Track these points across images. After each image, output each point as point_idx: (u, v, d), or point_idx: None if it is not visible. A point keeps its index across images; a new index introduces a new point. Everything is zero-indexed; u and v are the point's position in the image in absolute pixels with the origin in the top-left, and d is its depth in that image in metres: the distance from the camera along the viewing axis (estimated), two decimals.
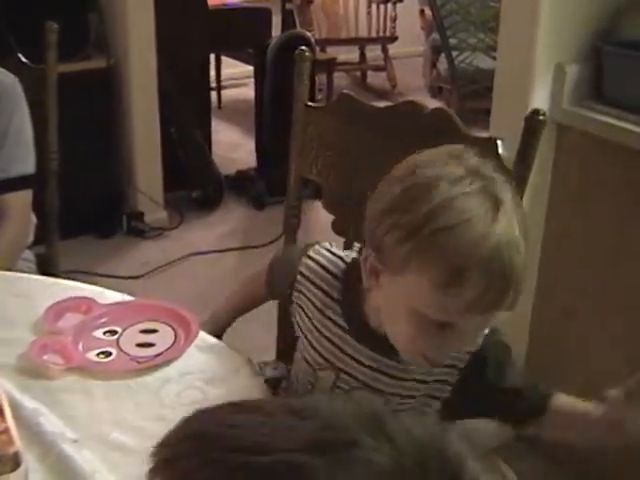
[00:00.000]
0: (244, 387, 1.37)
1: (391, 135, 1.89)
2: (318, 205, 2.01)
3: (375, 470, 0.64)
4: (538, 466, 2.85)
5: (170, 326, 1.54)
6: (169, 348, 1.46)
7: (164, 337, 1.50)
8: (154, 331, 1.53)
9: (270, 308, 2.16)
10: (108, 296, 1.66)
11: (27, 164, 2.17)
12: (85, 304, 1.60)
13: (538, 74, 2.43)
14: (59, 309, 1.57)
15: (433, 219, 1.11)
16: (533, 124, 1.64)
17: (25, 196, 2.18)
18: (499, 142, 1.69)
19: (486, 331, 1.25)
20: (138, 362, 1.43)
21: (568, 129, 2.47)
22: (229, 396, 1.33)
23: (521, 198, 1.67)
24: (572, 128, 2.46)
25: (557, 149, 2.53)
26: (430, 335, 1.19)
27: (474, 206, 1.12)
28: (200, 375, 1.40)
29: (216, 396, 1.34)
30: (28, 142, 2.19)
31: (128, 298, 1.66)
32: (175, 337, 1.50)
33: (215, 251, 4.19)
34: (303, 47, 1.99)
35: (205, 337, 1.52)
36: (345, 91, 2.01)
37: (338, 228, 1.99)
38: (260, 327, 2.31)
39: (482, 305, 1.13)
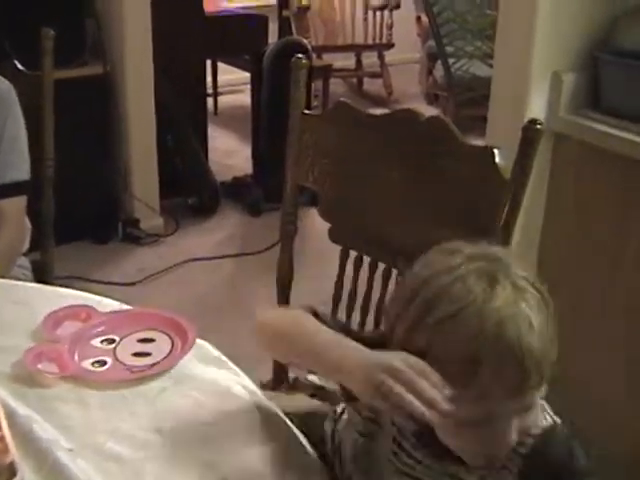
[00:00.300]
0: (240, 401, 1.36)
1: (387, 143, 1.89)
2: (315, 212, 2.01)
3: None
4: None
5: (168, 335, 1.53)
6: (164, 358, 1.45)
7: (161, 347, 1.49)
8: (152, 340, 1.52)
9: (255, 308, 2.15)
10: (107, 304, 1.65)
11: (21, 171, 2.17)
12: (84, 312, 1.59)
13: (535, 82, 2.43)
14: (58, 317, 1.57)
15: (433, 309, 1.08)
16: (530, 134, 1.63)
17: (19, 202, 2.18)
18: (496, 151, 1.69)
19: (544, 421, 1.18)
20: (132, 372, 1.42)
21: (565, 138, 2.47)
22: (225, 408, 1.33)
23: (519, 206, 1.67)
24: (569, 137, 2.46)
25: (554, 158, 2.53)
26: (470, 430, 1.12)
27: (471, 288, 1.08)
28: (197, 385, 1.39)
29: (212, 407, 1.33)
30: (22, 149, 2.18)
31: (126, 307, 1.65)
32: (172, 347, 1.49)
33: (211, 258, 4.18)
34: (299, 54, 1.99)
35: (203, 348, 1.52)
36: (342, 99, 2.00)
37: (334, 236, 1.99)
38: (248, 330, 2.30)
39: (504, 389, 1.07)
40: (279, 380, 2.15)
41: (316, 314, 1.31)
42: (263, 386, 2.13)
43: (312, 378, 2.15)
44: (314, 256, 3.59)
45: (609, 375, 2.59)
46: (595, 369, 2.62)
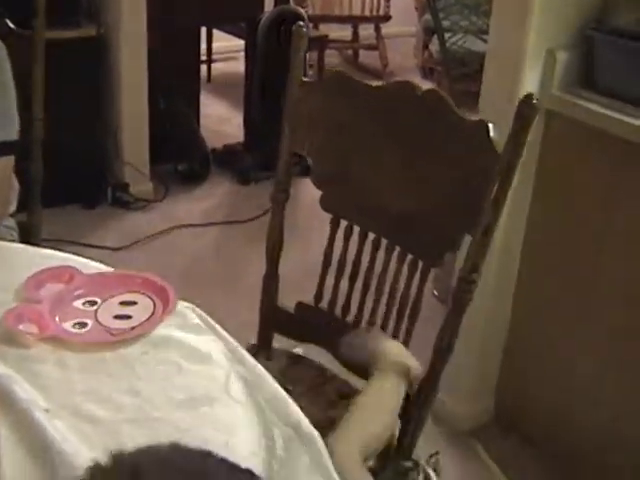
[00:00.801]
0: (220, 367, 1.35)
1: (383, 114, 1.89)
2: (306, 183, 2.01)
3: None
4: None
5: (150, 298, 1.53)
6: (145, 321, 1.45)
7: (142, 310, 1.49)
8: (133, 303, 1.52)
9: (254, 285, 2.16)
10: (91, 267, 1.64)
11: (9, 130, 2.15)
12: (67, 274, 1.59)
13: (529, 59, 2.42)
14: (41, 278, 1.56)
15: None
16: (526, 109, 1.63)
17: (6, 162, 2.16)
18: (490, 125, 1.69)
19: None
20: (112, 334, 1.42)
21: (556, 115, 2.47)
22: (204, 373, 1.33)
23: (510, 181, 1.67)
24: (560, 115, 2.46)
25: (544, 135, 2.53)
26: None
27: None
28: (177, 350, 1.39)
29: (192, 372, 1.33)
30: (11, 108, 2.16)
31: (110, 269, 1.65)
32: (153, 310, 1.49)
33: (199, 225, 4.18)
34: (300, 22, 1.98)
35: (185, 312, 1.51)
36: (338, 68, 2.00)
37: (326, 205, 1.99)
38: (244, 304, 2.30)
39: None
40: (264, 347, 2.16)
41: None
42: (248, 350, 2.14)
43: (297, 350, 2.17)
44: (305, 226, 3.59)
45: (593, 352, 2.61)
46: (580, 346, 2.64)
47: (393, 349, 1.76)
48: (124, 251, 3.84)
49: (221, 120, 5.53)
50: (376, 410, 1.61)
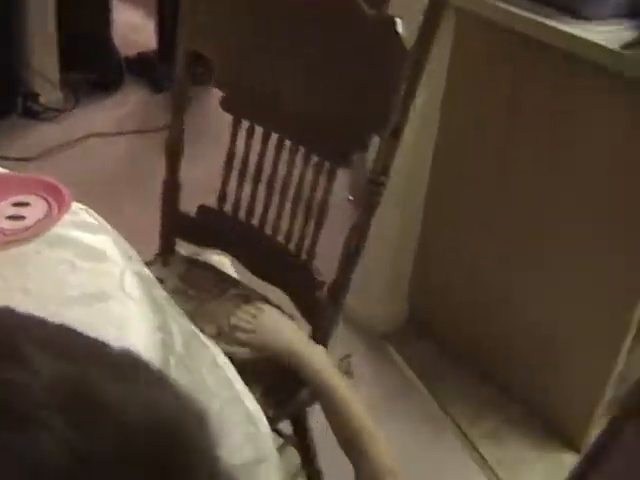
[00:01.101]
0: (113, 264, 1.33)
1: (286, 11, 1.84)
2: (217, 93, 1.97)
3: None
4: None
5: (44, 199, 1.48)
6: (39, 221, 1.41)
7: (36, 210, 1.45)
8: (27, 204, 1.48)
9: (155, 186, 2.12)
10: None
11: None
12: None
13: None
14: None
15: None
16: (437, 2, 1.60)
17: None
18: (398, 20, 1.66)
19: None
20: (5, 234, 1.38)
21: (466, 13, 2.44)
22: (100, 270, 1.30)
23: (420, 76, 1.65)
24: (469, 12, 2.43)
25: (455, 35, 2.51)
26: None
27: None
28: (72, 249, 1.35)
29: (86, 270, 1.30)
30: None
31: (2, 171, 1.60)
32: (48, 211, 1.45)
33: (111, 134, 4.10)
34: None
35: (81, 213, 1.47)
36: None
37: (226, 105, 1.95)
38: (151, 211, 2.27)
39: None
40: (167, 253, 2.14)
41: None
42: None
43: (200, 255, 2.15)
44: (214, 133, 3.54)
45: (498, 255, 2.64)
46: (485, 249, 2.67)
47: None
48: (34, 162, 3.76)
49: (134, 28, 5.40)
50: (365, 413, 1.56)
